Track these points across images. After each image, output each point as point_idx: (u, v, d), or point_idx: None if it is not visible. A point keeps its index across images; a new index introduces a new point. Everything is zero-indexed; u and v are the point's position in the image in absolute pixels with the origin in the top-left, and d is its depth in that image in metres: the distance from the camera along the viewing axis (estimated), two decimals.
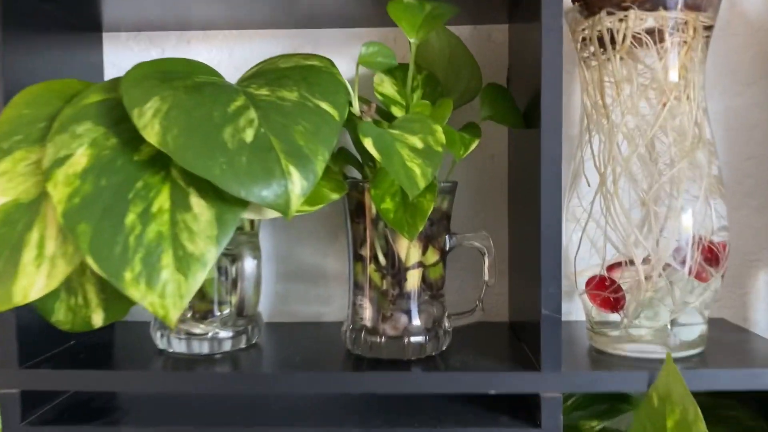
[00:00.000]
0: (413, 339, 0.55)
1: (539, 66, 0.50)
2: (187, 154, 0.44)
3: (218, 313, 0.58)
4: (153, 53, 0.70)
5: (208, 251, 0.46)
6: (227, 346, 0.58)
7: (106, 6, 0.63)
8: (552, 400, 0.51)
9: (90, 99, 0.50)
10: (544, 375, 0.51)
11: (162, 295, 0.45)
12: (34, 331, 0.56)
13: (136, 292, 0.44)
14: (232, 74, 0.70)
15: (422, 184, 0.47)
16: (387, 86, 0.59)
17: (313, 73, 0.52)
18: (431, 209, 0.49)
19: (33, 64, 0.58)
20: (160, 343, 0.59)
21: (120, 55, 0.70)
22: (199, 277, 0.45)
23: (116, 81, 0.52)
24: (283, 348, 0.60)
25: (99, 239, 0.45)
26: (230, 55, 0.69)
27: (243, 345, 0.59)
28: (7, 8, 0.54)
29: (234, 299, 0.59)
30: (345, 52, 0.68)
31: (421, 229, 0.49)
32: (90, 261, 0.44)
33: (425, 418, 0.55)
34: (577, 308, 0.69)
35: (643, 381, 0.51)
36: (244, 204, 0.48)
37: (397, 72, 0.60)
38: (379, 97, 0.58)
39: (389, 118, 0.59)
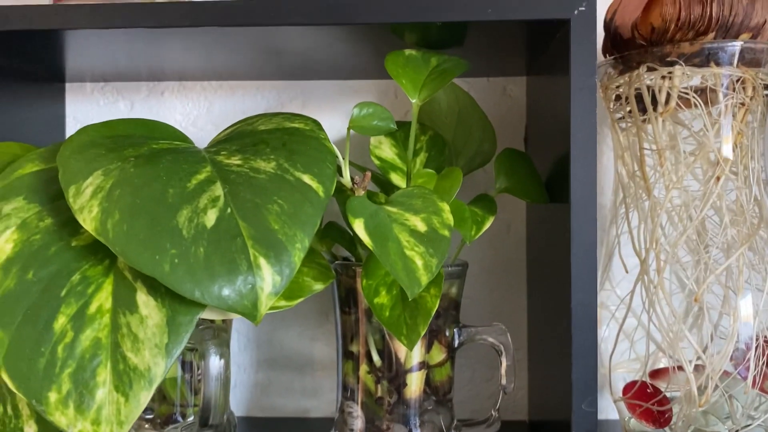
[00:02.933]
0: None
1: (568, 129, 0.41)
2: (129, 245, 0.35)
3: (181, 419, 0.49)
4: (121, 106, 0.61)
5: (155, 365, 0.36)
6: None
7: (70, 53, 0.55)
8: None
9: (24, 169, 0.42)
10: None
11: (96, 422, 0.35)
12: None
13: (62, 417, 0.35)
14: (210, 131, 0.62)
15: (425, 279, 0.38)
16: (386, 149, 0.51)
17: (296, 138, 0.43)
18: (435, 308, 0.40)
19: None
20: None
21: (84, 109, 0.62)
22: (143, 397, 0.36)
23: (56, 148, 0.44)
24: None
25: (19, 350, 0.36)
26: (209, 109, 0.61)
27: None
28: None
29: (200, 401, 0.49)
30: (339, 107, 0.60)
31: (423, 333, 0.40)
32: (6, 378, 0.35)
33: None
34: (607, 405, 0.59)
35: None
36: (202, 304, 0.39)
37: (398, 133, 0.52)
38: (376, 161, 0.50)
39: (387, 186, 0.50)
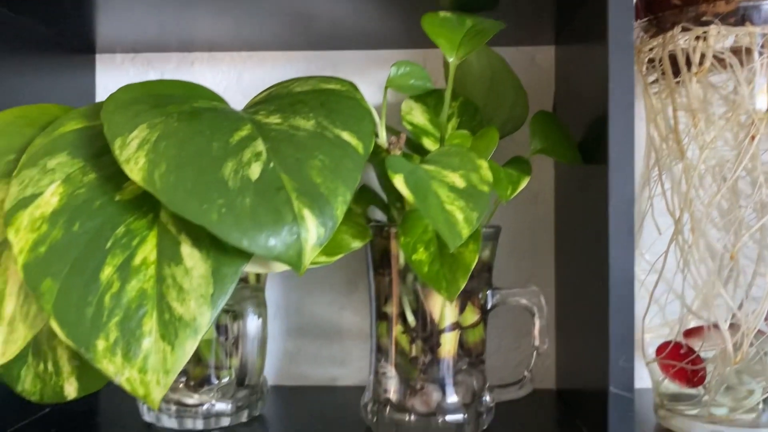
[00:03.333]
0: (449, 418, 0.46)
1: (605, 92, 0.41)
2: (176, 195, 0.36)
3: (216, 381, 0.49)
4: (151, 76, 0.62)
5: (200, 315, 0.37)
6: (226, 421, 0.49)
7: (100, 24, 0.56)
8: None
9: (67, 127, 0.42)
10: None
11: (142, 370, 0.36)
12: (1, 397, 0.47)
13: (109, 365, 0.35)
14: (239, 101, 0.61)
15: (466, 232, 0.38)
16: (417, 115, 0.51)
17: (333, 99, 0.44)
18: (474, 262, 0.40)
19: (17, 88, 0.50)
20: (148, 415, 0.50)
21: (114, 79, 0.62)
22: (189, 346, 0.36)
23: (98, 106, 0.44)
24: (291, 422, 0.51)
25: (67, 299, 0.36)
26: (238, 79, 0.61)
27: (244, 419, 0.50)
28: None
29: (235, 363, 0.50)
30: (367, 77, 0.60)
31: (462, 286, 0.40)
32: (54, 325, 0.35)
33: None
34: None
35: None
36: (246, 256, 0.39)
37: (428, 99, 0.52)
38: (408, 126, 0.50)
39: (420, 151, 0.50)
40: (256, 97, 0.48)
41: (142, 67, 0.62)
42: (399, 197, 0.48)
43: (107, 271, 0.37)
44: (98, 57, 0.62)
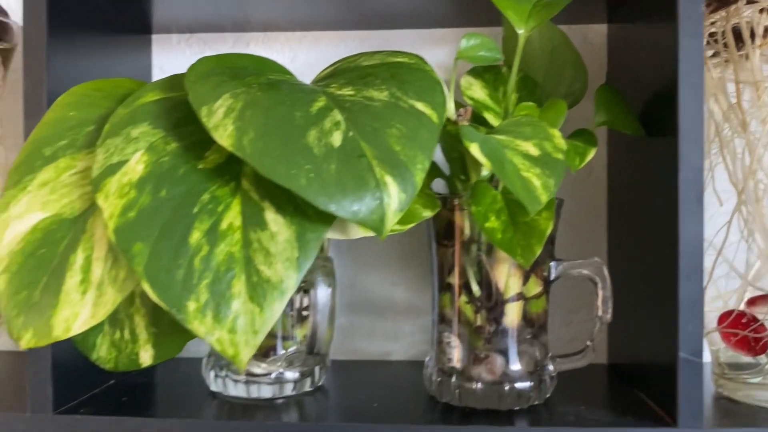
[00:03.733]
0: (516, 385, 0.46)
1: (674, 66, 0.42)
2: (266, 160, 0.37)
3: (282, 350, 0.50)
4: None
5: (287, 277, 0.38)
6: (290, 390, 0.50)
7: (157, 5, 0.57)
8: None
9: (146, 98, 0.43)
10: None
11: (232, 330, 0.37)
12: (69, 368, 0.48)
13: (200, 326, 0.36)
14: None
15: (544, 197, 0.39)
16: (477, 90, 0.52)
17: (403, 71, 0.44)
18: (549, 230, 0.41)
19: (78, 65, 0.51)
20: (214, 384, 0.51)
21: (170, 59, 0.63)
22: (277, 308, 0.37)
23: (175, 78, 0.45)
24: (353, 392, 0.52)
25: (158, 261, 0.37)
26: (293, 59, 0.62)
27: (308, 388, 0.51)
28: (54, 2, 0.47)
29: (301, 333, 0.51)
30: (422, 56, 0.61)
31: (538, 253, 0.41)
32: (146, 287, 0.36)
33: None
34: None
35: None
36: (327, 221, 0.40)
37: (486, 74, 0.53)
38: (469, 101, 0.51)
39: (482, 125, 0.51)
40: (321, 72, 0.49)
41: (197, 47, 0.63)
42: (463, 169, 0.49)
43: (196, 236, 0.38)
44: (154, 38, 0.63)
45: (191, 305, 0.37)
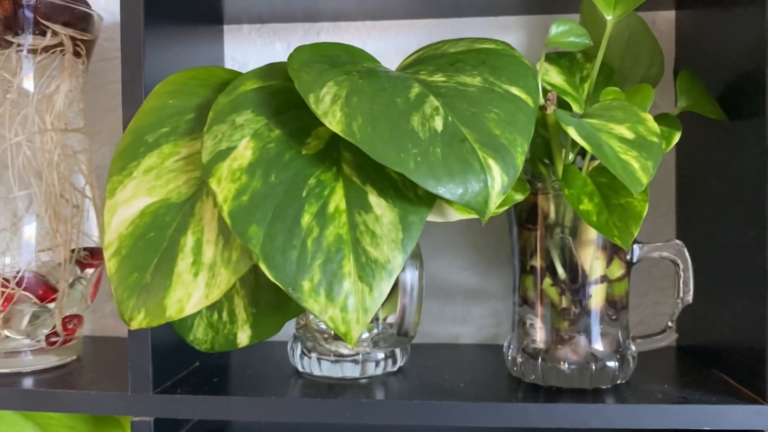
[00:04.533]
0: (604, 364, 0.48)
1: (763, 49, 0.43)
2: (376, 144, 0.38)
3: (366, 333, 0.51)
4: (277, 47, 0.64)
5: (393, 258, 0.39)
6: (372, 370, 0.51)
7: None
8: None
9: (246, 86, 0.44)
10: None
11: (344, 309, 0.38)
12: (162, 351, 0.49)
13: (315, 304, 0.38)
14: None
15: (645, 179, 0.40)
16: (554, 75, 0.52)
17: (493, 57, 0.45)
18: (645, 212, 0.42)
19: (163, 56, 0.52)
20: (300, 365, 0.52)
21: (241, 49, 0.64)
22: (385, 288, 0.39)
23: (270, 67, 0.46)
24: (434, 372, 0.53)
25: (273, 243, 0.38)
26: (363, 48, 0.63)
27: (390, 368, 0.52)
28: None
29: (382, 315, 0.52)
30: None
31: (635, 234, 0.42)
32: (264, 267, 0.38)
33: None
34: None
35: None
36: (429, 204, 0.41)
37: (561, 61, 0.54)
38: (547, 87, 0.51)
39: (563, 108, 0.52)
40: (404, 61, 0.50)
41: (268, 37, 0.64)
42: (547, 154, 0.50)
43: (306, 218, 0.39)
44: (226, 28, 0.65)
45: (306, 284, 0.38)
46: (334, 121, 0.39)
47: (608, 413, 0.44)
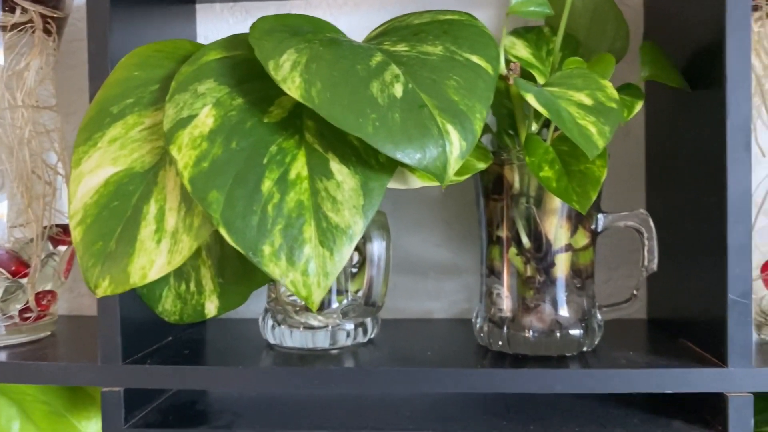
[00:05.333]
0: (569, 332, 0.48)
1: (721, 20, 0.43)
2: (334, 109, 0.38)
3: (335, 304, 0.52)
4: (249, 25, 0.64)
5: (354, 223, 0.40)
6: (343, 340, 0.52)
7: None
8: (742, 400, 0.44)
9: (209, 56, 0.45)
10: (732, 371, 0.44)
11: (305, 273, 0.39)
12: (133, 325, 0.50)
13: (275, 268, 0.38)
14: None
15: (601, 143, 0.40)
16: (520, 49, 0.53)
17: (455, 27, 0.46)
18: (604, 177, 0.43)
19: (133, 34, 0.52)
20: (271, 336, 0.52)
21: (214, 28, 0.65)
22: (346, 252, 0.39)
23: (235, 38, 0.47)
24: (405, 344, 0.54)
25: (233, 208, 0.39)
26: (335, 25, 0.63)
27: (361, 339, 0.53)
28: None
29: (353, 287, 0.53)
30: None
31: (593, 198, 0.42)
32: (224, 232, 0.38)
33: (585, 422, 0.48)
34: None
35: None
36: (389, 171, 0.42)
37: (528, 35, 0.54)
38: (514, 60, 0.52)
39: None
40: (371, 32, 0.50)
41: (240, 15, 0.64)
42: (511, 125, 0.51)
43: (267, 184, 0.40)
44: (198, 7, 0.65)
45: (266, 249, 0.38)
46: (293, 87, 0.39)
47: (572, 378, 0.45)
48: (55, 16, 0.56)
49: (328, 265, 0.39)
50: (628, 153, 0.62)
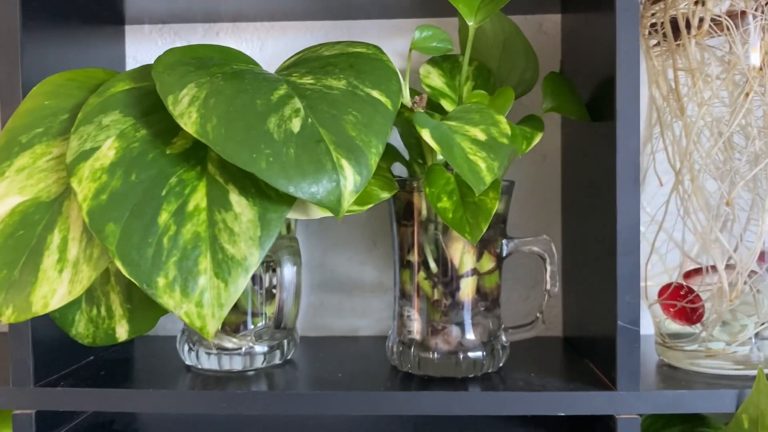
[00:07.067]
0: (470, 354, 0.50)
1: (613, 55, 0.45)
2: (228, 144, 0.39)
3: (251, 326, 0.53)
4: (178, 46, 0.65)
5: (250, 255, 0.41)
6: (260, 362, 0.53)
7: None
8: (629, 422, 0.46)
9: (117, 88, 0.45)
10: (620, 394, 0.46)
11: (199, 304, 0.40)
12: (50, 345, 0.51)
13: (170, 300, 0.39)
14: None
15: (488, 178, 0.42)
16: (434, 78, 0.54)
17: (361, 60, 0.47)
18: (495, 208, 0.44)
19: (52, 56, 0.53)
20: (188, 358, 0.53)
21: (143, 49, 0.65)
22: (241, 283, 0.40)
23: (144, 69, 0.47)
24: (320, 364, 0.55)
25: (129, 241, 0.40)
26: (261, 48, 0.65)
27: (277, 361, 0.54)
28: None
29: (269, 310, 0.54)
30: (384, 45, 0.63)
31: (485, 229, 0.44)
32: (119, 264, 0.39)
33: None
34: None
35: (730, 401, 0.46)
36: (289, 202, 0.43)
37: (444, 64, 0.56)
38: (427, 89, 0.54)
39: (439, 111, 0.54)
40: (286, 61, 0.51)
41: (169, 37, 0.65)
42: (420, 154, 0.52)
43: (164, 216, 0.41)
44: (127, 28, 0.65)
45: (161, 281, 0.39)
46: (189, 122, 0.40)
47: (469, 401, 0.47)
48: None
49: (223, 296, 0.40)
50: (545, 177, 0.64)
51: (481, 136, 0.44)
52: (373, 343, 0.62)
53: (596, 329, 0.52)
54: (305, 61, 0.49)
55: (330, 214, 0.45)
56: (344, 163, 0.40)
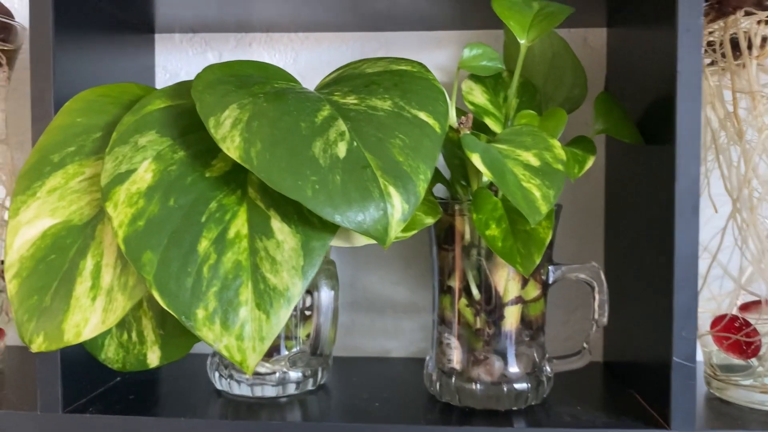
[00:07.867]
0: (514, 386, 0.48)
1: (672, 75, 0.43)
2: (273, 171, 0.37)
3: (285, 350, 0.51)
4: (209, 57, 0.63)
5: (293, 285, 0.39)
6: (293, 389, 0.51)
7: (160, 4, 0.57)
8: None
9: (153, 106, 0.44)
10: None
11: (240, 337, 0.38)
12: (77, 367, 0.49)
13: (209, 333, 0.38)
14: None
15: (544, 209, 0.40)
16: (477, 95, 0.52)
17: (407, 79, 0.45)
18: (549, 238, 0.42)
19: (83, 66, 0.51)
20: (219, 384, 0.52)
21: (173, 58, 0.63)
22: (283, 315, 0.38)
23: (181, 86, 0.46)
24: (354, 390, 0.53)
25: (167, 270, 0.38)
26: (295, 60, 0.63)
27: (311, 387, 0.52)
28: (59, 3, 0.47)
29: (303, 333, 0.52)
30: (420, 58, 0.62)
31: (538, 261, 0.42)
32: (156, 295, 0.37)
33: None
34: None
35: None
36: (332, 230, 0.41)
37: (486, 80, 0.53)
38: (470, 106, 0.51)
39: (483, 130, 0.52)
40: (324, 78, 0.49)
41: (200, 47, 0.63)
42: (464, 175, 0.50)
43: (204, 244, 0.39)
44: (157, 37, 0.64)
45: (200, 313, 0.38)
46: (232, 147, 0.38)
47: None
48: (5, 48, 0.55)
49: (264, 328, 0.38)
50: (588, 199, 0.61)
51: (535, 162, 0.42)
52: (405, 366, 0.60)
53: (646, 359, 0.50)
54: (347, 79, 0.47)
55: (374, 242, 0.44)
56: (392, 190, 0.38)
